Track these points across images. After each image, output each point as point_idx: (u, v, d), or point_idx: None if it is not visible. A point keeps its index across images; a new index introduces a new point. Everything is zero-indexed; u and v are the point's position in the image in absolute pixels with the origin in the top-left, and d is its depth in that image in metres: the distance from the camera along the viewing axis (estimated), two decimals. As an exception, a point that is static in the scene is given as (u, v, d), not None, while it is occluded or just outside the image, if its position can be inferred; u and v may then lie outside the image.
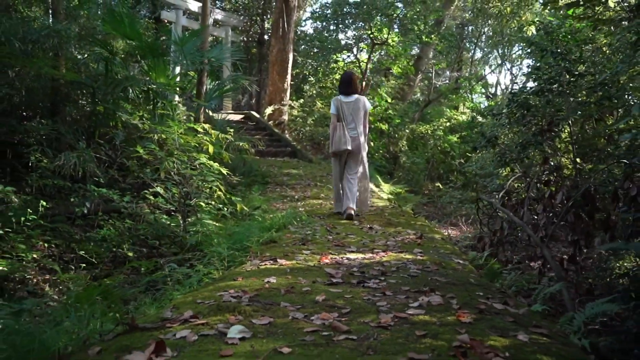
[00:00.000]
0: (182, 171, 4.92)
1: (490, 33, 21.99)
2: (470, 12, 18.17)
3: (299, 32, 19.14)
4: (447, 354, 1.84)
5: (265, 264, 3.58)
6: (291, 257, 3.81)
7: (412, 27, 14.74)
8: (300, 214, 6.02)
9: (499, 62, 26.77)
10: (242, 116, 16.39)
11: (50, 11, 11.20)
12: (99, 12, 11.38)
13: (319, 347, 1.90)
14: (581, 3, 3.77)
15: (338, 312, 2.39)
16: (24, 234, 6.20)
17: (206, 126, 5.45)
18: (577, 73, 6.13)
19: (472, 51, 25.98)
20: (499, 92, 26.88)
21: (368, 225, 5.66)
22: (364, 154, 6.17)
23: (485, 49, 26.90)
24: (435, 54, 19.83)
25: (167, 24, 17.31)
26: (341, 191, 6.18)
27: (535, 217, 5.42)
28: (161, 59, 8.59)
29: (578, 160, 6.27)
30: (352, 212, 5.98)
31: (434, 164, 17.83)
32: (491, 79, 50.25)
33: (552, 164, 6.61)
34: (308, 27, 21.09)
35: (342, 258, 3.83)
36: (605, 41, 6.24)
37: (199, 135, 5.23)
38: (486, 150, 7.57)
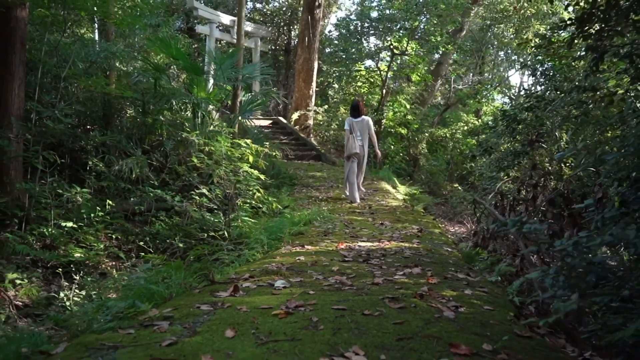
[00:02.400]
0: (230, 177, 6.11)
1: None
2: (483, 25, 19.02)
3: (323, 37, 20.21)
4: (411, 296, 2.96)
5: (296, 249, 4.75)
6: (315, 244, 4.97)
7: (430, 39, 15.73)
8: (323, 212, 7.17)
9: (520, 64, 27.26)
10: (270, 121, 17.61)
11: (96, 30, 12.53)
12: (137, 32, 12.65)
13: (332, 291, 3.05)
14: (544, 46, 4.78)
15: (347, 276, 3.53)
16: (93, 227, 7.46)
17: (248, 141, 6.64)
18: (563, 90, 7.12)
19: (494, 54, 26.64)
20: (522, 92, 27.39)
21: (380, 222, 6.77)
22: (366, 158, 8.74)
23: (507, 53, 27.46)
24: (455, 60, 20.71)
25: (199, 35, 18.71)
26: (350, 183, 8.54)
27: (521, 215, 6.44)
28: (202, 77, 9.85)
29: (563, 166, 7.26)
30: (359, 200, 8.56)
31: (453, 165, 18.72)
32: (515, 79, 50.39)
33: (549, 169, 7.62)
34: (332, 32, 22.10)
35: (354, 245, 4.96)
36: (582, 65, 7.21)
37: (242, 148, 6.43)
38: (485, 157, 8.59)
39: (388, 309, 2.66)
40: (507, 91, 25.78)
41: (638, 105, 4.10)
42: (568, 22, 3.98)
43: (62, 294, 5.40)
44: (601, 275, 2.06)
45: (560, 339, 3.64)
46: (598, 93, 4.31)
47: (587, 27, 4.06)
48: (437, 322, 2.46)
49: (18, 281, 5.96)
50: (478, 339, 2.25)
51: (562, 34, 4.93)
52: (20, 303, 5.73)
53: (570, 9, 4.68)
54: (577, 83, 4.19)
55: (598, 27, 4.18)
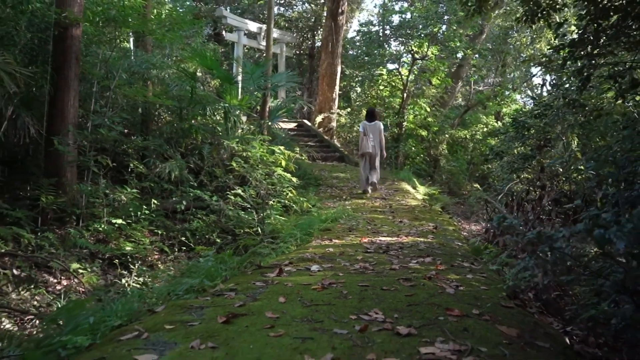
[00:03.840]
0: (264, 181, 6.89)
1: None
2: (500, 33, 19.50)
3: (346, 40, 20.89)
4: (421, 278, 3.67)
5: (325, 242, 5.49)
6: (341, 238, 5.70)
7: (449, 45, 16.32)
8: (347, 211, 7.88)
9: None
10: (295, 124, 18.34)
11: (131, 40, 13.38)
12: (165, 43, 13.47)
13: (357, 274, 3.78)
14: (544, 64, 5.40)
15: (369, 263, 4.25)
16: (140, 224, 8.28)
17: (281, 147, 7.41)
18: (570, 99, 7.70)
19: (514, 55, 26.91)
20: (544, 93, 27.59)
21: (399, 220, 7.45)
22: (379, 157, 10.15)
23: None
24: (474, 64, 21.20)
25: (226, 40, 19.57)
26: (366, 178, 10.09)
27: (528, 214, 7.07)
28: (234, 85, 10.67)
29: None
30: (372, 189, 10.14)
31: (473, 166, 19.22)
32: (537, 79, 50.15)
33: (560, 170, 8.21)
34: (355, 36, 22.78)
35: (375, 239, 5.68)
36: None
37: (276, 154, 7.21)
38: (497, 161, 9.21)
39: (402, 286, 3.37)
40: (529, 91, 26.08)
41: (620, 118, 4.70)
42: (560, 47, 4.62)
43: (123, 280, 6.23)
44: (559, 258, 2.73)
45: (550, 318, 4.31)
46: (587, 108, 4.94)
47: (577, 51, 4.70)
48: (440, 295, 3.17)
49: (80, 270, 6.84)
50: (470, 307, 2.94)
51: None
52: (83, 289, 6.61)
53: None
54: (568, 100, 4.80)
55: (588, 51, 4.81)
